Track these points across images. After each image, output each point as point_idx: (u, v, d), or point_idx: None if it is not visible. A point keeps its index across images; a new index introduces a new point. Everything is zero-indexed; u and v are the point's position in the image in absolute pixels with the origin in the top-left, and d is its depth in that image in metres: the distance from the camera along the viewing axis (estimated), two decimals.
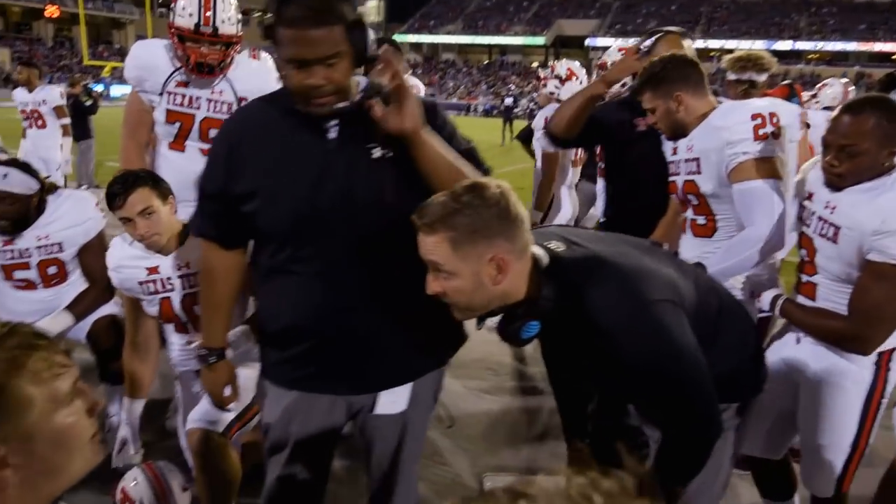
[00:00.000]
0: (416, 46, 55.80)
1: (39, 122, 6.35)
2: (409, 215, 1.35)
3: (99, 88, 18.43)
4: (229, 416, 2.06)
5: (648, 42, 2.51)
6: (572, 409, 2.49)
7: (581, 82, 3.51)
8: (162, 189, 2.10)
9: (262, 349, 1.62)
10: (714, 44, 48.15)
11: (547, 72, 3.63)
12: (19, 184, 2.39)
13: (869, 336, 1.73)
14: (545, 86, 3.61)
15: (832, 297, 1.82)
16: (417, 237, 1.29)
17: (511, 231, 1.27)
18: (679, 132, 2.12)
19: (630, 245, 1.50)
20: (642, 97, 2.12)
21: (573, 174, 3.73)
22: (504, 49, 56.13)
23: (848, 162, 1.73)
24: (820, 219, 1.81)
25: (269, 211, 1.41)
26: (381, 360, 1.51)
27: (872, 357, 1.80)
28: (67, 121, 6.52)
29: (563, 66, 3.60)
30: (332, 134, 1.40)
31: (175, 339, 2.28)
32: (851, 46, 46.06)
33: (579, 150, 3.67)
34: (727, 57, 3.15)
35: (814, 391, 1.88)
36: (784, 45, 45.45)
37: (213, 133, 2.46)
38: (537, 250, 1.34)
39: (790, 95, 3.81)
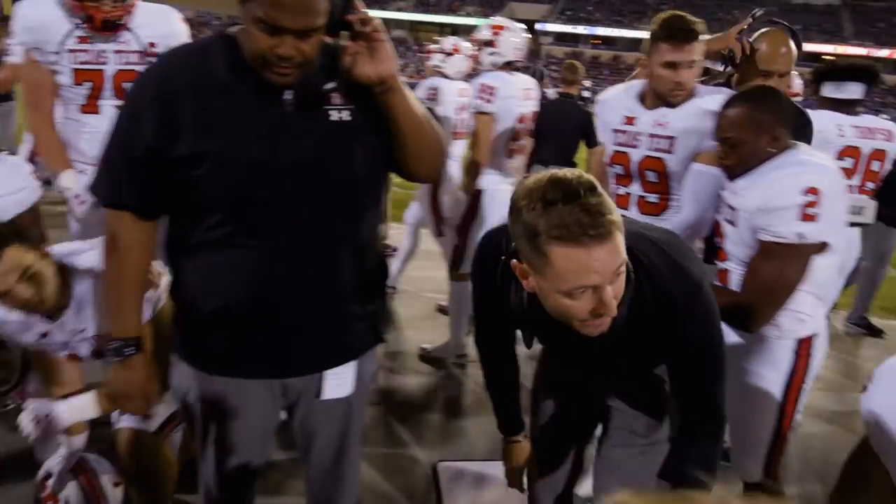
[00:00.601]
0: None
1: None
2: (364, 181, 1.32)
3: None
4: (164, 413, 1.87)
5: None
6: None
7: (465, 58, 3.54)
8: (32, 239, 1.77)
9: (183, 333, 1.43)
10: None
11: (436, 46, 3.81)
12: None
13: (758, 312, 1.77)
14: (430, 59, 3.66)
15: (741, 281, 1.85)
16: (577, 255, 1.08)
17: None
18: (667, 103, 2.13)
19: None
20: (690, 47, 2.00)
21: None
22: (456, 29, 55.70)
23: (733, 153, 1.82)
24: (728, 206, 1.88)
25: (218, 176, 1.25)
26: (323, 337, 1.40)
27: (791, 344, 1.85)
28: None
29: (449, 41, 3.82)
30: (287, 94, 1.27)
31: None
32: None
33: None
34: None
35: (734, 378, 1.95)
36: None
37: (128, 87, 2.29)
38: None
39: None
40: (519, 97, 3.22)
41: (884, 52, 45.10)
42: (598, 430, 1.71)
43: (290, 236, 1.31)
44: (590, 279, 1.10)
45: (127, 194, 1.32)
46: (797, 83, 4.34)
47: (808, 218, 1.68)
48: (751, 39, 2.24)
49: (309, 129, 1.29)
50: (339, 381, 1.46)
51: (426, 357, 3.54)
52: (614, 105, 2.30)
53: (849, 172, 2.79)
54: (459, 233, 3.36)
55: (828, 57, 39.63)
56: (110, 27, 2.32)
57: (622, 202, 2.25)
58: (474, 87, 3.17)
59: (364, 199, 1.39)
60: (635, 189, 2.23)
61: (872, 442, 1.33)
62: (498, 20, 3.35)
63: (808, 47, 47.73)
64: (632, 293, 1.24)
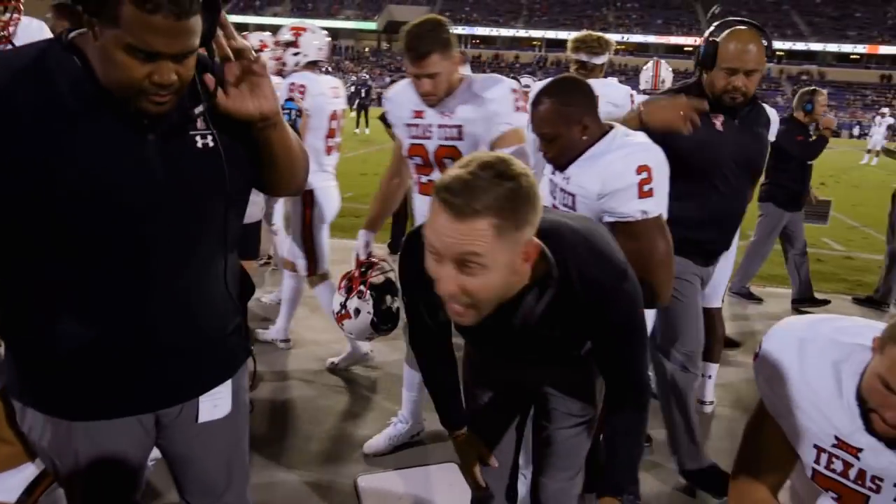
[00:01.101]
0: (242, 27, 52.86)
1: None
2: (227, 203, 1.24)
3: None
4: (24, 477, 1.61)
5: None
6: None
7: (269, 57, 3.71)
8: None
9: (27, 377, 1.27)
10: (536, 34, 51.12)
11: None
12: None
13: (659, 286, 1.85)
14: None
15: None
16: (438, 218, 1.07)
17: (538, 211, 1.14)
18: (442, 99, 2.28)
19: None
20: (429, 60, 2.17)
21: None
22: (336, 33, 55.00)
23: (552, 147, 1.89)
24: (561, 190, 1.94)
25: (70, 215, 1.11)
26: (194, 363, 1.32)
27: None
28: None
29: (256, 37, 4.22)
30: (146, 122, 1.15)
31: None
32: (651, 39, 51.19)
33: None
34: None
35: None
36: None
37: None
38: None
39: None
40: (329, 95, 3.34)
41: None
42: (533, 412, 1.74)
43: (151, 269, 1.20)
44: (431, 237, 1.10)
45: None
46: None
47: (645, 195, 1.78)
48: (717, 39, 2.26)
49: (174, 158, 1.18)
50: (215, 402, 1.39)
51: (334, 370, 3.48)
52: (402, 101, 2.41)
53: None
54: (304, 237, 3.37)
55: (688, 48, 42.72)
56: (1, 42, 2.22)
57: (426, 189, 2.37)
58: (284, 87, 3.26)
59: (227, 220, 1.29)
60: (437, 176, 2.34)
61: (766, 404, 1.42)
62: (297, 22, 3.58)
63: (672, 40, 51.31)
64: (556, 286, 1.24)
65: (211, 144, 1.22)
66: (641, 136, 1.90)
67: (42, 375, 1.25)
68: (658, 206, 1.81)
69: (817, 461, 1.33)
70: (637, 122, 2.09)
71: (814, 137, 4.53)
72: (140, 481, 1.44)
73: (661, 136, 1.97)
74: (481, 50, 51.41)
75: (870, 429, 1.20)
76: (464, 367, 1.75)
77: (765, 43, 2.23)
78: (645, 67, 4.84)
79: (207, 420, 1.39)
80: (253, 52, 1.17)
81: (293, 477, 2.54)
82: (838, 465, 1.29)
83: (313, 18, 54.31)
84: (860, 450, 1.24)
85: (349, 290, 2.54)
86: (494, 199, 1.05)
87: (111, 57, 1.05)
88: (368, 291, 2.51)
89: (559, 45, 52.97)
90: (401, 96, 2.43)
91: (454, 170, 1.09)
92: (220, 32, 1.12)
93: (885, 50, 47.80)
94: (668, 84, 4.55)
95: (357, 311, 2.50)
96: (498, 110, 2.23)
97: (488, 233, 1.06)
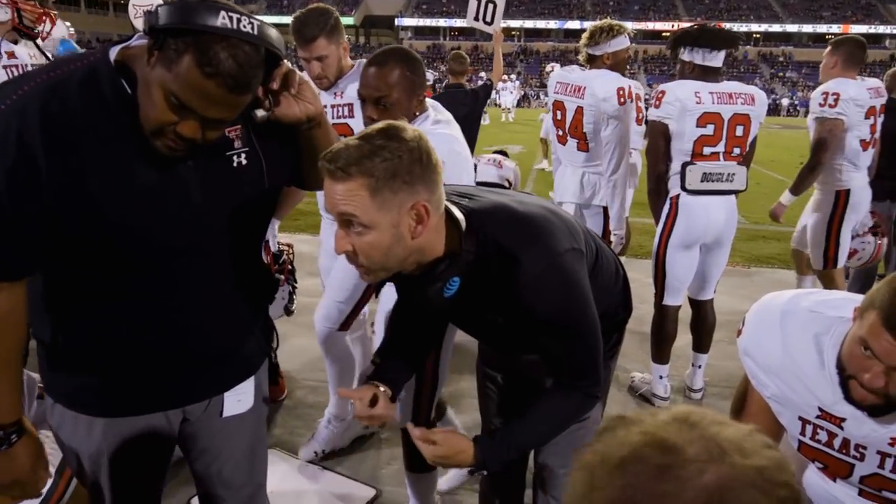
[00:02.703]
0: None
1: None
2: (259, 214, 1.31)
3: None
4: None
5: None
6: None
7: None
8: None
9: (59, 377, 1.31)
10: (514, 24, 51.06)
11: None
12: None
13: None
14: None
15: None
16: (325, 183, 1.15)
17: (431, 177, 1.16)
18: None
19: (513, 194, 1.43)
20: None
21: None
22: None
23: (384, 113, 1.83)
24: None
25: (112, 234, 1.14)
26: (223, 363, 1.38)
27: None
28: None
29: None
30: None
31: None
32: (629, 25, 51.28)
33: None
34: None
35: None
36: (573, 24, 49.48)
37: None
38: (447, 204, 1.26)
39: None
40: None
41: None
42: None
43: (188, 283, 1.26)
44: (325, 199, 1.17)
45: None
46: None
47: None
48: None
49: (212, 183, 1.22)
50: (238, 398, 1.44)
51: None
52: None
53: (711, 139, 2.83)
54: None
55: (666, 34, 42.91)
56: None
57: None
58: None
59: (257, 229, 1.37)
60: None
61: (750, 379, 1.45)
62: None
63: (650, 26, 51.51)
64: (470, 262, 1.24)
65: (244, 162, 1.25)
66: (443, 127, 1.92)
67: (77, 376, 1.29)
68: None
69: (802, 433, 1.35)
70: None
71: None
72: (163, 478, 1.48)
73: None
74: (460, 42, 51.32)
75: (848, 397, 1.23)
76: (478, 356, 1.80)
77: None
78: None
79: (232, 414, 1.44)
80: (290, 70, 1.21)
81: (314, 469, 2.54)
82: (823, 436, 1.32)
83: (289, 15, 53.77)
84: (843, 420, 1.27)
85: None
86: (367, 163, 1.11)
87: (149, 90, 1.05)
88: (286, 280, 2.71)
89: (537, 34, 53.03)
90: None
91: (348, 140, 1.16)
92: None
93: (857, 29, 48.33)
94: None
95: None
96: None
97: (362, 193, 1.12)
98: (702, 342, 3.19)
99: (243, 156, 1.25)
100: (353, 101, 2.40)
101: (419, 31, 54.44)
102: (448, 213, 1.24)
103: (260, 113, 1.20)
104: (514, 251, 1.23)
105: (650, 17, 52.36)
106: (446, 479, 2.42)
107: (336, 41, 2.38)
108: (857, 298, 1.28)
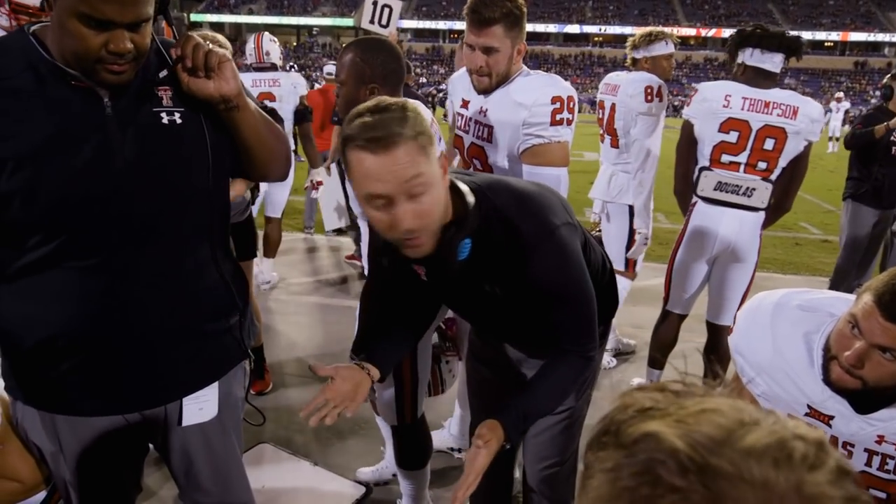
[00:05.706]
0: (218, 27, 52.38)
1: None
2: (204, 186, 1.23)
3: None
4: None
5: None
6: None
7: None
8: None
9: (13, 368, 1.25)
10: None
11: None
12: None
13: None
14: None
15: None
16: (371, 162, 1.12)
17: (434, 136, 1.23)
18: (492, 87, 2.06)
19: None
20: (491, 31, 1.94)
21: None
22: (311, 30, 54.68)
23: (338, 99, 1.89)
24: None
25: (34, 193, 1.10)
26: (177, 362, 1.28)
27: None
28: None
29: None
30: (106, 98, 1.14)
31: None
32: (628, 30, 51.49)
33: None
34: None
35: None
36: (573, 28, 49.55)
37: None
38: (451, 177, 1.30)
39: None
40: None
41: (711, 31, 49.70)
42: None
43: (124, 253, 1.18)
44: (374, 187, 1.14)
45: None
46: None
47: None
48: None
49: (138, 137, 1.17)
50: (200, 406, 1.34)
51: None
52: (457, 84, 2.29)
53: (733, 148, 2.62)
54: None
55: None
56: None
57: None
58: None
59: (207, 205, 1.27)
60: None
61: (741, 377, 1.47)
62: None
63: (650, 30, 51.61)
64: (475, 227, 1.27)
65: (178, 121, 1.21)
66: None
67: (24, 368, 1.23)
68: None
69: None
70: None
71: None
72: (134, 480, 1.42)
73: None
74: None
75: (827, 379, 1.24)
76: (467, 347, 1.82)
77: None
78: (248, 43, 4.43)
79: (192, 423, 1.35)
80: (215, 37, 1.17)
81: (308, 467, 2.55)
82: None
83: (289, 16, 53.91)
84: (832, 417, 1.28)
85: None
86: (405, 125, 1.14)
87: (66, 27, 1.05)
88: None
89: (538, 38, 53.10)
90: (458, 80, 2.28)
91: (356, 121, 1.15)
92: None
93: (856, 37, 48.48)
94: (273, 57, 4.26)
95: None
96: (529, 120, 1.95)
97: (417, 152, 1.14)
98: (711, 370, 3.07)
99: (176, 115, 1.21)
100: (496, 124, 2.00)
101: (419, 34, 54.45)
102: (451, 184, 1.28)
103: (163, 74, 1.19)
104: (515, 222, 1.27)
105: (650, 22, 52.46)
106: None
107: (514, 36, 1.95)
108: (850, 298, 1.29)
